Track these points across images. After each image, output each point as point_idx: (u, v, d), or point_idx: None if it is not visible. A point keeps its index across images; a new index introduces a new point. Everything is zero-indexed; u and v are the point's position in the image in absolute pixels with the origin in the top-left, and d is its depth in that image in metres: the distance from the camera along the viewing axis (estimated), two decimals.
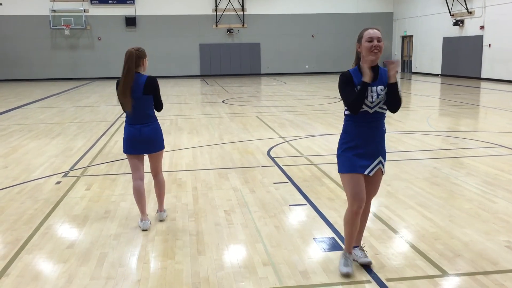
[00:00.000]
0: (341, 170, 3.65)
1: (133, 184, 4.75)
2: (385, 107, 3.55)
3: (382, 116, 3.58)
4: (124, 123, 4.76)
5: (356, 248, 3.89)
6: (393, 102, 3.50)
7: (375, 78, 3.50)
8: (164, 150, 5.01)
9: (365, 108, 3.48)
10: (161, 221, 4.96)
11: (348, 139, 3.60)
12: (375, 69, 3.50)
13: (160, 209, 5.03)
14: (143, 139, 4.62)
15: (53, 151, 8.41)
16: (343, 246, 4.18)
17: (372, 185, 3.74)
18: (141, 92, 4.51)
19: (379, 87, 3.49)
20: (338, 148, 3.69)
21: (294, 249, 4.16)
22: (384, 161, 3.69)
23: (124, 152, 4.75)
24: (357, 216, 3.65)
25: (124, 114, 4.83)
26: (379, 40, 3.44)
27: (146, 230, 4.67)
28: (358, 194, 3.59)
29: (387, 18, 30.36)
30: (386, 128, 3.71)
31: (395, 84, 3.47)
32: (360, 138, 3.55)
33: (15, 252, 4.21)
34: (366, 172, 3.59)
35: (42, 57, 28.53)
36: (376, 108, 3.50)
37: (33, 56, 28.34)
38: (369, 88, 3.45)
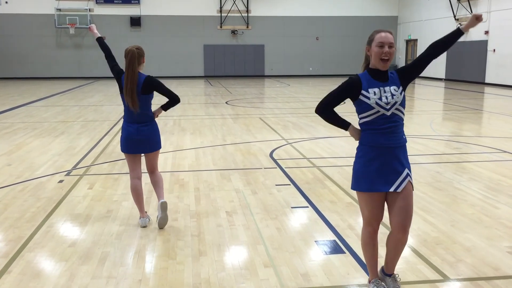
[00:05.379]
0: (356, 187, 3.18)
1: (130, 183, 4.80)
2: (403, 110, 3.15)
3: (401, 120, 3.15)
4: (123, 121, 4.79)
5: (387, 277, 3.37)
6: (448, 45, 3.27)
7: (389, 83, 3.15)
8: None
9: (381, 111, 3.07)
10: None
11: (366, 150, 3.14)
12: (384, 73, 3.16)
13: (160, 199, 4.90)
14: (140, 139, 4.63)
15: (57, 150, 8.43)
16: (344, 249, 4.18)
17: (404, 203, 3.11)
18: (139, 92, 4.53)
19: (393, 87, 3.13)
20: (355, 163, 3.22)
21: (296, 252, 4.15)
22: (411, 173, 3.20)
23: (122, 151, 4.78)
24: (376, 234, 3.25)
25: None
26: (390, 45, 3.09)
27: (145, 227, 4.71)
28: (377, 216, 3.18)
29: (391, 22, 30.31)
30: None
31: (463, 33, 3.25)
32: (381, 147, 3.10)
33: (17, 249, 4.22)
34: (392, 189, 3.09)
35: (47, 55, 28.61)
36: (393, 110, 3.09)
37: (38, 54, 28.42)
38: (382, 88, 3.11)
